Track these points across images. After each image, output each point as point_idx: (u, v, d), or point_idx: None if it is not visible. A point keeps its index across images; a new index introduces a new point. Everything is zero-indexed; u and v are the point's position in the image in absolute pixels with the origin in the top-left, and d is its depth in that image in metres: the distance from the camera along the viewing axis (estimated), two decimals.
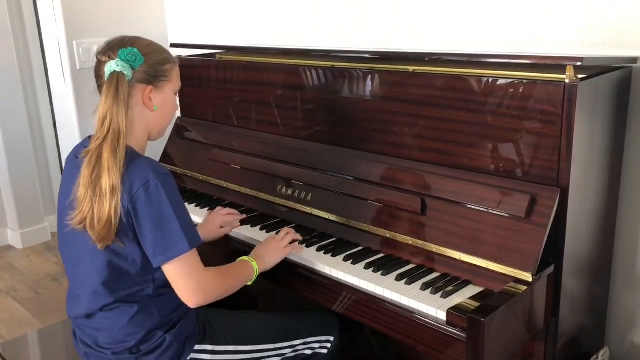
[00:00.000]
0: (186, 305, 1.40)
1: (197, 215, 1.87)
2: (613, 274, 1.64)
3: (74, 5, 2.60)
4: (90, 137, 1.40)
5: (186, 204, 1.96)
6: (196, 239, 1.32)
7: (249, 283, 1.47)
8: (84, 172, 1.27)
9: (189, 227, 1.31)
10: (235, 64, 2.06)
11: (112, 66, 1.30)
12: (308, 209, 1.71)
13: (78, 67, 2.63)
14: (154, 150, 1.92)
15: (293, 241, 1.59)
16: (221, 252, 1.77)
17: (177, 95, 1.45)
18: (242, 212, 1.84)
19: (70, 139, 2.72)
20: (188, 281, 1.32)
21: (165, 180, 1.29)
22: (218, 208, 1.81)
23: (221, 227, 1.74)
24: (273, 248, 1.54)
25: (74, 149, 1.43)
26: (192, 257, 1.31)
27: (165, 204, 1.27)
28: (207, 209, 1.92)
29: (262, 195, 1.85)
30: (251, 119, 2.03)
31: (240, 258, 1.50)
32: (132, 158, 1.29)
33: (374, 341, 1.94)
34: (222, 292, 1.39)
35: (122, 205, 1.25)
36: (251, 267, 1.47)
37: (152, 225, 1.27)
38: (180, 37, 2.90)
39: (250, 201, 1.90)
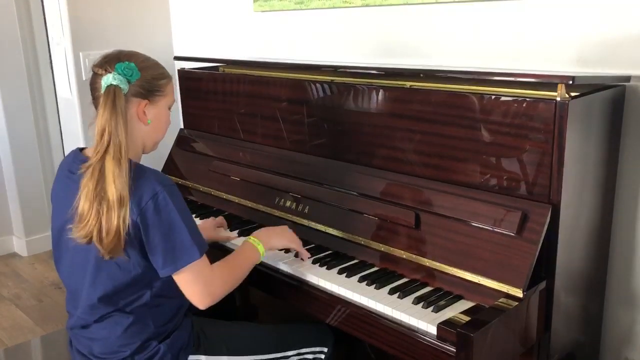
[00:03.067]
0: (181, 316, 1.43)
1: None
2: (608, 290, 1.65)
3: (80, 18, 2.65)
4: (81, 149, 1.41)
5: None
6: (204, 244, 1.35)
7: (257, 263, 1.52)
8: (88, 186, 1.26)
9: (197, 235, 1.34)
10: (237, 78, 2.09)
11: (108, 79, 1.31)
12: (305, 222, 1.73)
13: (84, 78, 2.67)
14: (156, 160, 1.95)
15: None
16: None
17: (170, 110, 1.47)
18: (241, 224, 1.87)
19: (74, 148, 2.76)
20: (197, 287, 1.35)
21: (172, 191, 1.31)
22: (211, 218, 1.86)
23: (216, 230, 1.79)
24: (285, 235, 1.59)
25: (66, 163, 1.43)
26: (201, 263, 1.34)
27: (174, 215, 1.29)
28: None
29: (261, 207, 1.87)
30: (251, 131, 2.05)
31: (246, 240, 1.53)
32: (138, 170, 1.31)
33: (372, 355, 1.94)
34: (230, 287, 1.42)
35: (130, 218, 1.26)
36: (257, 250, 1.50)
37: (162, 236, 1.29)
38: (186, 49, 2.94)
39: (250, 213, 1.92)
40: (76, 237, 1.29)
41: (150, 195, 1.28)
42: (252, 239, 1.53)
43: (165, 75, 1.42)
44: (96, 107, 1.35)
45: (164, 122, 1.44)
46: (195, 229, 1.34)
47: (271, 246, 1.55)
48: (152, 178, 1.30)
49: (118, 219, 1.24)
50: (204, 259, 1.35)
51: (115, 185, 1.24)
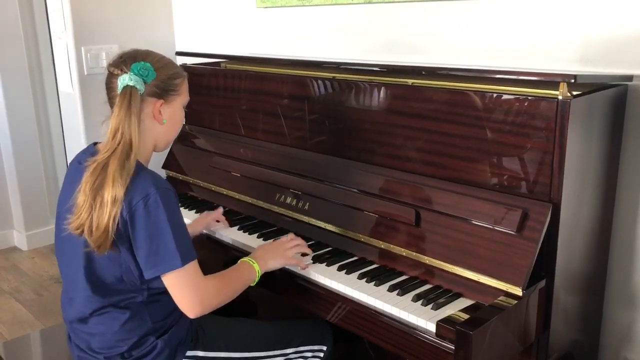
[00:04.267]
0: (179, 312, 1.42)
1: None
2: (607, 290, 1.64)
3: (83, 13, 2.65)
4: (95, 143, 1.42)
5: (186, 210, 2.01)
6: (190, 254, 1.32)
7: (252, 284, 1.49)
8: (87, 180, 1.28)
9: (185, 243, 1.31)
10: (239, 74, 2.09)
11: (125, 80, 1.31)
12: (305, 218, 1.73)
13: (85, 73, 2.67)
14: (157, 156, 1.95)
15: (303, 254, 1.59)
16: (219, 258, 1.79)
17: (185, 108, 1.47)
18: (241, 220, 1.88)
19: (76, 143, 2.77)
20: (185, 292, 1.33)
21: (165, 195, 1.30)
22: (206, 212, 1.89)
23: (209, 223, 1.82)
24: (279, 252, 1.54)
25: (78, 155, 1.45)
26: (189, 270, 1.32)
27: (162, 219, 1.28)
28: None
29: (261, 204, 1.87)
30: (253, 127, 2.05)
31: (242, 259, 1.51)
32: (136, 170, 1.30)
33: (371, 352, 1.94)
34: (221, 300, 1.39)
35: (120, 215, 1.26)
36: (253, 270, 1.48)
37: (147, 238, 1.28)
38: (188, 45, 2.94)
39: (250, 209, 1.92)
40: (69, 227, 1.30)
41: (142, 195, 1.27)
42: (248, 259, 1.51)
43: (179, 75, 1.42)
44: (111, 106, 1.35)
45: (178, 121, 1.44)
46: (183, 237, 1.32)
47: (268, 268, 1.51)
48: (148, 179, 1.30)
49: (109, 217, 1.25)
50: (193, 267, 1.33)
51: (114, 185, 1.25)
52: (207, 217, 1.83)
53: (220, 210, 1.87)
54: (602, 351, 1.69)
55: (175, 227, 1.30)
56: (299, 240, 1.60)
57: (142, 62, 1.33)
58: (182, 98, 1.43)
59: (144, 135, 1.37)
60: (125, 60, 1.34)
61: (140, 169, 1.33)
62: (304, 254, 1.59)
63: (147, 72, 1.33)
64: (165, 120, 1.39)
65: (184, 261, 1.30)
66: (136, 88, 1.31)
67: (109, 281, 1.35)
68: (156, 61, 1.37)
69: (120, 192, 1.25)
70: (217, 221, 1.84)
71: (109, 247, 1.28)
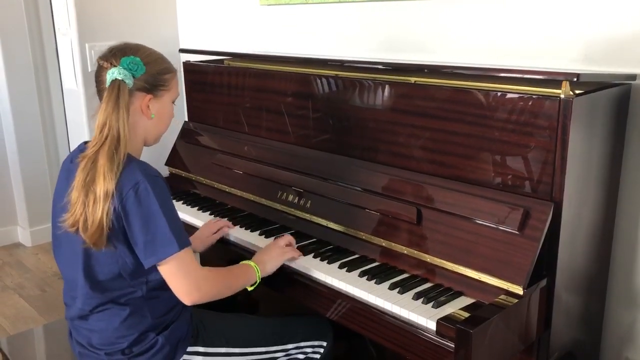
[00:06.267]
0: (179, 308, 1.42)
1: (199, 218, 1.90)
2: (609, 289, 1.64)
3: (87, 9, 2.66)
4: (86, 142, 1.42)
5: (188, 207, 2.01)
6: (185, 239, 1.33)
7: (251, 288, 1.48)
8: (79, 176, 1.28)
9: (178, 228, 1.32)
10: (242, 71, 2.09)
11: (113, 73, 1.31)
12: (307, 216, 1.73)
13: (89, 69, 2.68)
14: (160, 153, 1.96)
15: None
16: (221, 256, 1.80)
17: (174, 104, 1.47)
18: (243, 217, 1.88)
19: (79, 139, 2.76)
20: (182, 279, 1.33)
21: (154, 182, 1.30)
22: (210, 220, 1.85)
23: (214, 234, 1.77)
24: (274, 254, 1.54)
25: (70, 154, 1.45)
26: (184, 256, 1.32)
27: (154, 206, 1.28)
28: (208, 212, 1.95)
29: (263, 201, 1.87)
30: (256, 125, 2.05)
31: (243, 262, 1.51)
32: (126, 162, 1.30)
33: (372, 350, 1.94)
34: (218, 290, 1.39)
35: (112, 207, 1.26)
36: (253, 271, 1.48)
37: (142, 226, 1.28)
38: (192, 42, 2.94)
39: (252, 206, 1.92)
40: (65, 225, 1.30)
41: (132, 185, 1.27)
42: (249, 261, 1.51)
43: (169, 70, 1.41)
44: (100, 99, 1.35)
45: (167, 116, 1.44)
46: (177, 223, 1.32)
47: (266, 271, 1.52)
48: (137, 168, 1.30)
49: (102, 212, 1.25)
50: (188, 254, 1.33)
51: (105, 179, 1.25)
52: (211, 226, 1.79)
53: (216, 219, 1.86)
54: (603, 351, 1.69)
55: (167, 213, 1.30)
56: (291, 238, 1.61)
57: (132, 57, 1.33)
58: (171, 93, 1.42)
59: (133, 129, 1.36)
60: (115, 54, 1.34)
61: (129, 160, 1.32)
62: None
63: (137, 67, 1.32)
64: (154, 115, 1.39)
65: (181, 246, 1.30)
66: (124, 82, 1.31)
67: (107, 278, 1.35)
68: (146, 56, 1.36)
69: (111, 186, 1.25)
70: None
71: (105, 243, 1.28)
